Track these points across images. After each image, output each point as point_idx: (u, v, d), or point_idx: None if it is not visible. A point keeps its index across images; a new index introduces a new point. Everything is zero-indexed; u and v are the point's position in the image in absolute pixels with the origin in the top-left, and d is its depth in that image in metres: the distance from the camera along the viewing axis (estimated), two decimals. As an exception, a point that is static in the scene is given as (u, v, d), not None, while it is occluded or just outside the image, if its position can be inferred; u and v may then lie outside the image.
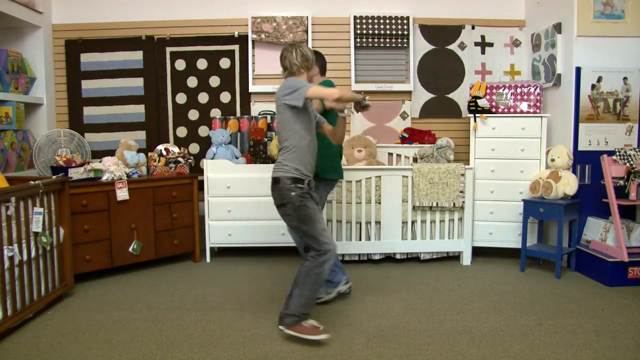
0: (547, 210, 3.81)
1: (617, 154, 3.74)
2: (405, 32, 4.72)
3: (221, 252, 4.54)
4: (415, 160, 4.43)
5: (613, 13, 3.90)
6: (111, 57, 4.71)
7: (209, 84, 4.78)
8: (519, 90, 4.18)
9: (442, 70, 4.81)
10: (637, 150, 3.74)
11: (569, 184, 3.80)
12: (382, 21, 4.70)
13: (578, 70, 3.92)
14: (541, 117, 4.08)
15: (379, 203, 4.08)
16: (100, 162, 3.87)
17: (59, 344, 2.64)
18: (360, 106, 2.66)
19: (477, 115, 4.14)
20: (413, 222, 4.13)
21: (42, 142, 4.15)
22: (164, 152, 4.18)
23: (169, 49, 4.74)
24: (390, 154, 4.69)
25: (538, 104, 4.15)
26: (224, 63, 4.77)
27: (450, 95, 4.85)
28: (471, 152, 4.19)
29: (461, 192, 4.05)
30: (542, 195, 3.88)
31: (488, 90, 4.25)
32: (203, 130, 4.79)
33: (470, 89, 4.34)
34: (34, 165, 4.13)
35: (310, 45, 4.65)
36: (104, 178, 3.77)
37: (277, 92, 2.69)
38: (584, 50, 3.93)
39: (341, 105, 2.74)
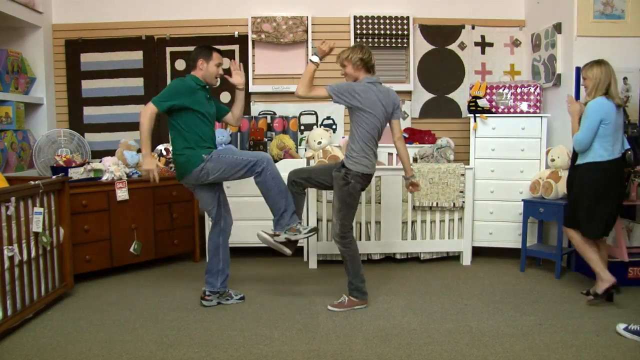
0: (547, 210, 3.81)
1: (617, 154, 3.73)
2: (405, 32, 4.71)
3: (221, 252, 4.53)
4: (415, 160, 4.42)
5: (613, 13, 3.90)
6: (111, 57, 4.70)
7: (209, 84, 4.76)
8: (519, 90, 4.18)
9: (442, 70, 4.80)
10: (637, 150, 3.73)
11: (569, 184, 3.80)
12: (382, 21, 4.69)
13: (578, 70, 3.92)
14: (541, 117, 4.08)
15: (379, 203, 4.08)
16: (100, 162, 3.87)
17: (59, 344, 2.65)
18: None
19: (477, 115, 4.14)
20: (413, 222, 4.13)
21: (42, 142, 4.15)
22: (164, 152, 4.18)
23: (169, 49, 4.74)
24: (390, 154, 4.68)
25: (538, 104, 4.15)
26: (224, 63, 4.75)
27: (450, 95, 4.85)
28: (471, 152, 4.19)
29: (461, 192, 4.05)
30: (542, 195, 3.88)
31: (488, 90, 4.25)
32: (203, 130, 4.77)
33: (470, 89, 4.34)
34: (34, 165, 4.12)
35: (309, 46, 4.66)
36: (104, 178, 3.77)
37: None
38: (584, 50, 3.92)
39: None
